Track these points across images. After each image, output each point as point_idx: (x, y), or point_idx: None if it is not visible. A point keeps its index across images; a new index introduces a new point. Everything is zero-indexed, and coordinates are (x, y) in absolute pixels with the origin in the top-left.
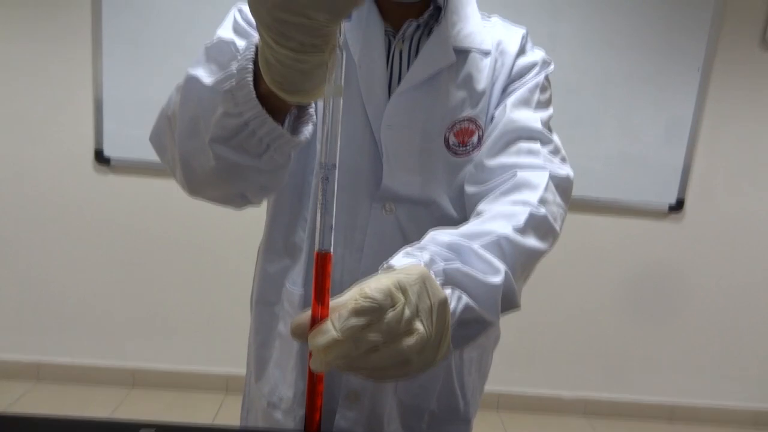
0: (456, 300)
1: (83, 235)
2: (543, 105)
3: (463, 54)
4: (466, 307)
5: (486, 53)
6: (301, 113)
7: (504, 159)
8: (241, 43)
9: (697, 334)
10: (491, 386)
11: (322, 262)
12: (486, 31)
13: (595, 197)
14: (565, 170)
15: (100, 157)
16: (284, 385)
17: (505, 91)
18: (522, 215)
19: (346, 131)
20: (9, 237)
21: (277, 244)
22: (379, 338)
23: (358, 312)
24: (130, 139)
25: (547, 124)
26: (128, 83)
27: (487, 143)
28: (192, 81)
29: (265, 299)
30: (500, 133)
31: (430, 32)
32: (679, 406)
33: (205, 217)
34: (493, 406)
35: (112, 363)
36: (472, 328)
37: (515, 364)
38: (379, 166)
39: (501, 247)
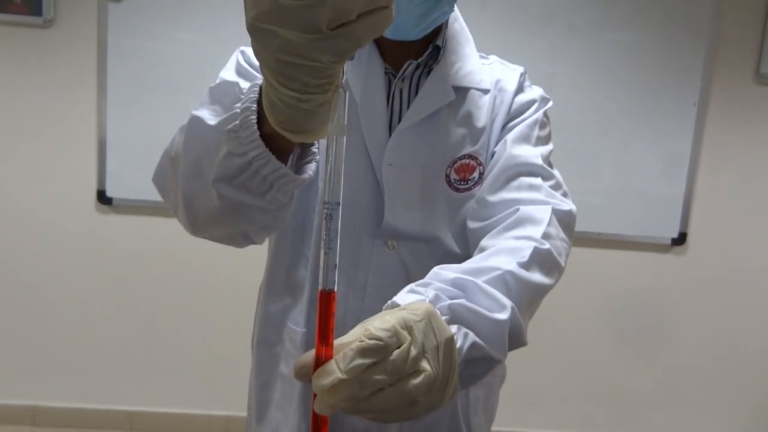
0: (462, 338)
1: (83, 276)
2: (543, 141)
3: (462, 92)
4: (473, 345)
5: (485, 91)
6: (304, 152)
7: (506, 194)
8: (245, 85)
9: (706, 370)
10: (497, 426)
11: (326, 301)
12: (484, 70)
13: (597, 232)
14: (568, 205)
15: (103, 198)
16: (286, 427)
17: (504, 129)
18: (526, 250)
19: (347, 169)
20: (8, 277)
21: (278, 283)
22: (385, 378)
23: (363, 352)
24: (133, 179)
25: (547, 159)
26: (132, 125)
27: (488, 179)
28: (196, 121)
29: (267, 340)
30: (501, 169)
31: (429, 72)
32: None
33: (206, 258)
34: None
35: (109, 406)
36: (480, 366)
37: (521, 403)
38: (381, 204)
39: (506, 282)
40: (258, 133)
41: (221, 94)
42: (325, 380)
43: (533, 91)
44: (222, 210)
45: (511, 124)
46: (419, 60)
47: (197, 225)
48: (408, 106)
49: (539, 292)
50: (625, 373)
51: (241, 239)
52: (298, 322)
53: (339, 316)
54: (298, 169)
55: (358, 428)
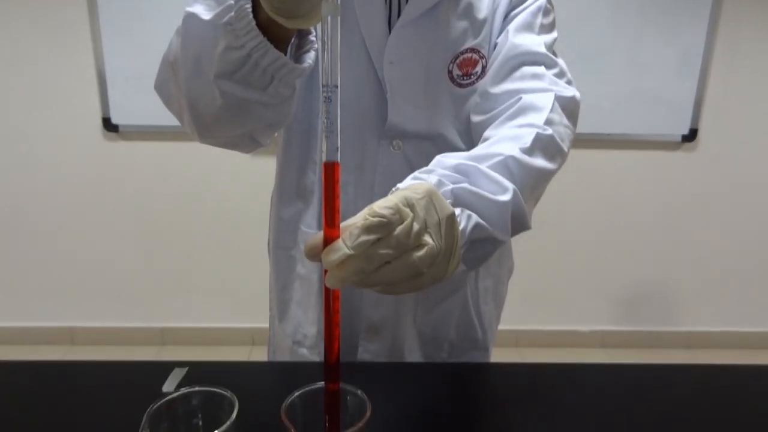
0: (466, 219)
1: (101, 202)
2: (546, 29)
3: None
4: (477, 226)
5: None
6: (301, 42)
7: (508, 85)
8: None
9: (711, 263)
10: (509, 325)
11: (330, 172)
12: None
13: (607, 132)
14: (571, 91)
15: (109, 125)
16: (307, 323)
17: (506, 18)
18: (528, 136)
19: (347, 69)
20: (27, 209)
21: (289, 190)
22: (390, 253)
23: (368, 229)
24: (136, 106)
25: (551, 47)
26: (128, 51)
27: (491, 71)
28: (191, 18)
29: (282, 244)
30: (503, 60)
31: None
32: (695, 333)
33: (216, 175)
34: (512, 343)
35: (140, 324)
36: (484, 248)
37: (532, 301)
38: (384, 104)
39: (508, 167)
40: (254, 23)
41: None
42: (333, 256)
43: None
44: (226, 108)
45: (514, 12)
46: None
47: (203, 128)
48: (407, 0)
49: (542, 176)
50: (634, 268)
51: (248, 141)
52: (310, 225)
53: (349, 217)
54: (297, 59)
55: (374, 320)
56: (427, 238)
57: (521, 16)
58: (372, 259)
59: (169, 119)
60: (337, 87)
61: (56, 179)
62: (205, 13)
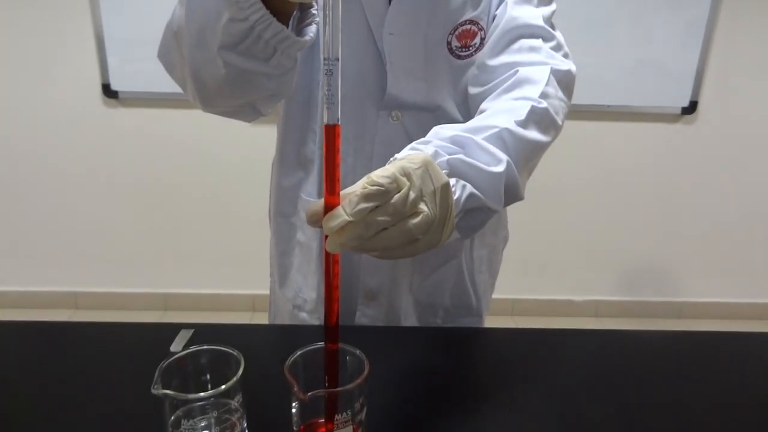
0: (461, 189)
1: (101, 169)
2: (545, 1)
3: None
4: (471, 196)
5: None
6: (303, 15)
7: (505, 58)
8: None
9: (707, 236)
10: (505, 294)
11: (330, 135)
12: None
13: (607, 104)
14: (567, 65)
15: (108, 91)
16: (307, 288)
17: None
18: (523, 109)
19: (347, 40)
20: (28, 175)
21: (289, 158)
22: (387, 219)
23: (366, 197)
24: (136, 72)
25: (549, 20)
26: (127, 17)
27: (489, 43)
28: None
29: (283, 211)
30: (501, 32)
31: None
32: (687, 303)
33: (216, 142)
34: (507, 311)
35: (143, 290)
36: (477, 217)
37: (528, 271)
38: (383, 75)
39: (503, 139)
40: None
41: None
42: (333, 222)
43: None
44: (229, 78)
45: None
46: None
47: (206, 97)
48: None
49: (536, 148)
50: (633, 241)
51: (249, 111)
52: (311, 194)
53: (348, 185)
54: (299, 32)
55: (371, 286)
56: (423, 206)
57: None
58: (370, 225)
59: (168, 86)
60: (338, 60)
61: (57, 145)
62: None
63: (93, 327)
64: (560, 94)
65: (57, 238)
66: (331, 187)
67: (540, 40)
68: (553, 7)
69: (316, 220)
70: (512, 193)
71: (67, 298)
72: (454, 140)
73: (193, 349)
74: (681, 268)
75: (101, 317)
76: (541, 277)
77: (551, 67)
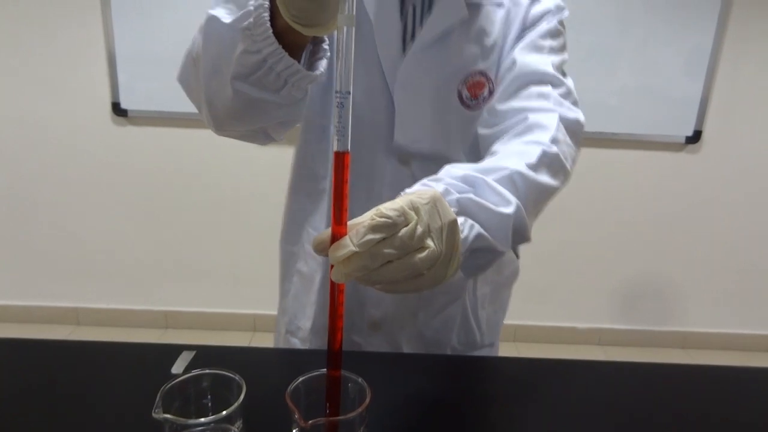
0: (468, 228)
1: (108, 187)
2: (556, 50)
3: (475, 7)
4: (478, 236)
5: (499, 4)
6: (315, 49)
7: (515, 103)
8: None
9: (710, 264)
10: (507, 320)
11: (340, 162)
12: None
13: (612, 131)
14: (575, 113)
15: (118, 110)
16: (303, 317)
17: (517, 40)
18: (534, 153)
19: (362, 86)
20: (35, 191)
21: (302, 186)
22: (393, 252)
23: (374, 228)
24: (145, 91)
25: (559, 68)
26: (138, 37)
27: (500, 88)
28: (212, 21)
29: (288, 238)
30: (512, 78)
31: None
32: (692, 333)
33: (222, 162)
34: (510, 337)
35: (145, 307)
36: (484, 257)
37: (531, 297)
38: (393, 122)
39: (514, 181)
40: (271, 30)
41: None
42: (340, 252)
43: (548, 1)
44: (240, 107)
45: (524, 34)
46: None
47: (219, 122)
48: (421, 22)
49: (545, 192)
50: (637, 269)
51: (262, 136)
52: (318, 228)
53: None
54: (311, 65)
55: (376, 317)
56: (429, 242)
57: (531, 38)
58: (376, 257)
59: (178, 105)
60: (349, 93)
61: (65, 162)
62: (226, 17)
63: (94, 346)
64: (569, 140)
65: (60, 253)
66: (338, 216)
67: (549, 86)
68: (564, 56)
69: (322, 249)
70: (520, 234)
71: (68, 313)
72: (465, 179)
73: (195, 372)
74: (686, 296)
75: (102, 334)
76: (545, 304)
77: (559, 114)
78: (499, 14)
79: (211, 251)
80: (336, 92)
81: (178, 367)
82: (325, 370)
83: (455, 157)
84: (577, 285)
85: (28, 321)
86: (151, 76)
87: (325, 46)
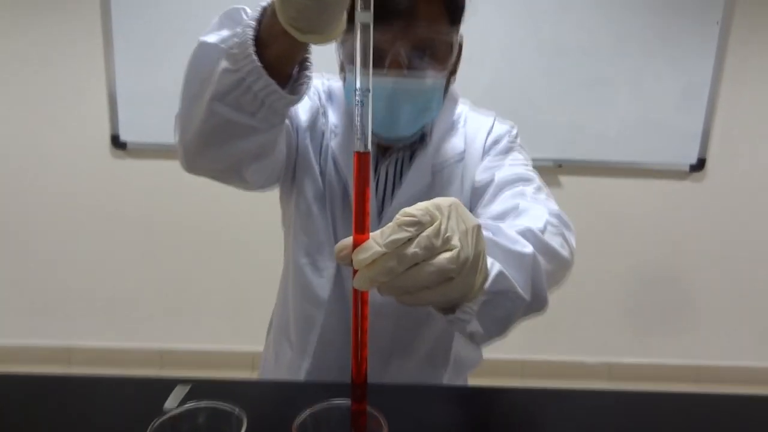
0: (489, 264)
1: (105, 220)
2: (517, 159)
3: (439, 167)
4: (500, 275)
5: (460, 157)
6: (299, 76)
7: (495, 207)
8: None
9: (720, 294)
10: (514, 354)
11: (362, 162)
12: (460, 132)
13: (615, 160)
14: (554, 204)
15: (117, 142)
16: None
17: (483, 164)
18: (540, 221)
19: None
20: (33, 224)
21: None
22: (419, 252)
23: (399, 226)
24: (145, 123)
25: (524, 168)
26: (139, 70)
27: (482, 204)
28: (201, 46)
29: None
30: (488, 195)
31: (412, 153)
32: (704, 366)
33: (221, 197)
34: (516, 373)
35: (140, 345)
36: (503, 305)
37: (537, 331)
38: None
39: (526, 237)
40: (253, 49)
41: (228, 18)
42: (364, 255)
43: (501, 128)
44: (212, 129)
45: (484, 158)
46: (406, 149)
47: (190, 153)
48: (393, 183)
49: (556, 257)
50: (641, 298)
51: (235, 177)
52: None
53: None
54: (292, 91)
55: (383, 344)
56: (456, 241)
57: (491, 160)
58: (403, 258)
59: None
60: (369, 91)
61: (60, 197)
62: (213, 38)
63: (83, 381)
64: (561, 222)
65: (51, 289)
66: (360, 223)
67: (520, 184)
68: (525, 157)
69: (344, 256)
70: (537, 288)
71: (60, 353)
72: (484, 225)
73: (189, 405)
74: (697, 328)
75: (95, 373)
76: (552, 338)
77: (543, 206)
78: (460, 167)
79: (209, 286)
80: (355, 90)
81: (171, 402)
82: (334, 401)
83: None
84: (585, 317)
85: (16, 361)
86: (152, 108)
87: (308, 73)
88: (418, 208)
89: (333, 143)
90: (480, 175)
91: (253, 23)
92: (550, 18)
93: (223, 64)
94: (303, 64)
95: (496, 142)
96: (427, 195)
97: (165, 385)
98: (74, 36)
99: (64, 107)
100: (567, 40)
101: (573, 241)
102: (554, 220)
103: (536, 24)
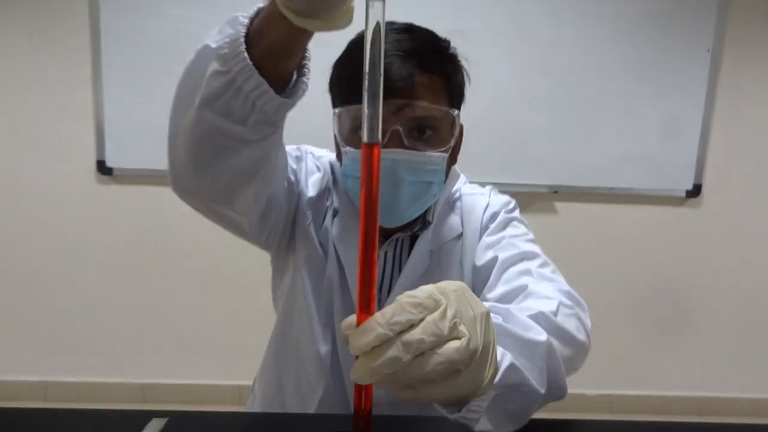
0: (500, 355)
1: (89, 248)
2: (517, 234)
3: (437, 250)
4: (511, 367)
5: (459, 237)
6: (296, 82)
7: (501, 288)
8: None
9: (720, 324)
10: None
11: (369, 157)
12: (456, 211)
13: (610, 186)
14: (562, 280)
15: (103, 168)
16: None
17: (483, 249)
18: (552, 303)
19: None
20: (12, 252)
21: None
22: (425, 339)
23: (402, 308)
24: (132, 149)
25: (528, 242)
26: (128, 97)
27: (486, 286)
28: (195, 54)
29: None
30: (493, 277)
31: (413, 236)
32: (707, 398)
33: (212, 227)
34: None
35: (121, 379)
36: (515, 399)
37: None
38: None
39: (539, 322)
40: (244, 47)
41: (227, 24)
42: (366, 338)
43: (497, 202)
44: (201, 139)
45: (485, 239)
46: (408, 232)
47: (178, 169)
48: (392, 267)
49: (572, 342)
50: (641, 329)
51: (225, 203)
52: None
53: None
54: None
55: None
56: (464, 329)
57: (491, 239)
58: (408, 345)
59: (164, 164)
60: (381, 75)
61: (41, 225)
62: (207, 43)
63: (53, 413)
64: (572, 301)
65: (27, 321)
66: (365, 304)
67: (524, 261)
68: (525, 231)
69: (348, 335)
70: (554, 378)
71: (35, 389)
72: (491, 308)
73: None
74: (699, 357)
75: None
76: None
77: (551, 284)
78: (458, 246)
79: (194, 319)
80: (365, 74)
81: None
82: None
83: None
84: None
85: None
86: (139, 134)
87: (305, 79)
88: (421, 291)
89: (334, 227)
90: (481, 255)
91: (246, 21)
92: (543, 46)
93: (213, 66)
94: (300, 71)
95: (493, 217)
96: (425, 278)
97: (141, 419)
98: (63, 62)
99: (51, 132)
100: (560, 68)
101: (588, 321)
102: (567, 301)
103: (530, 52)
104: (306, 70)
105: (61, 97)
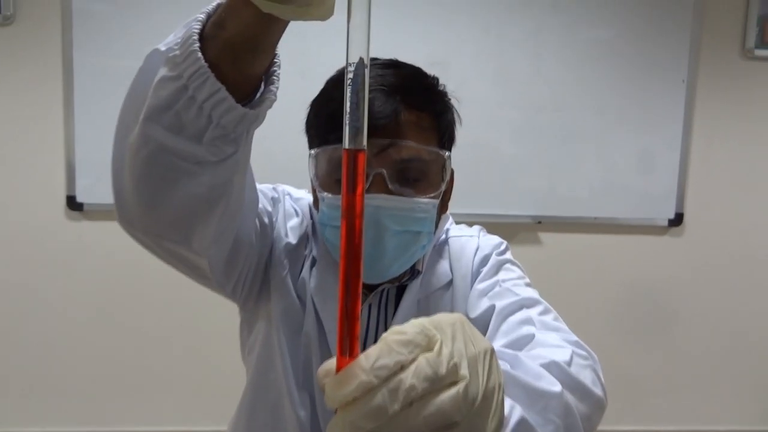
0: (508, 408)
1: (57, 288)
2: (512, 278)
3: (425, 299)
4: (521, 422)
5: (448, 284)
6: (264, 91)
7: (502, 339)
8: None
9: (707, 352)
10: None
11: (351, 162)
12: (445, 256)
13: (593, 216)
14: (567, 329)
15: (73, 204)
16: None
17: (477, 296)
18: (565, 353)
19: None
20: None
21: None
22: (416, 384)
23: (389, 348)
24: (104, 184)
25: (524, 287)
26: (99, 133)
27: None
28: (146, 58)
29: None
30: (492, 326)
31: (400, 287)
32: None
33: None
34: None
35: (92, 428)
36: None
37: None
38: None
39: (552, 372)
40: (197, 45)
41: (183, 26)
42: (346, 388)
43: (487, 244)
44: (147, 161)
45: (478, 284)
46: (396, 283)
47: (123, 201)
48: (377, 321)
49: (589, 397)
50: (626, 358)
51: (181, 242)
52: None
53: None
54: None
55: None
56: (464, 371)
57: (484, 285)
58: (395, 393)
59: None
60: (366, 66)
61: (12, 260)
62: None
63: None
64: (584, 351)
65: None
66: (347, 346)
67: (524, 309)
68: (525, 278)
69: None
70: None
71: None
72: (498, 354)
73: None
74: (687, 388)
75: None
76: None
77: (555, 332)
78: (448, 294)
79: (168, 361)
80: (348, 64)
81: None
82: None
83: None
84: None
85: None
86: (109, 169)
87: (273, 87)
88: (412, 326)
89: (312, 279)
90: (475, 304)
91: (202, 16)
92: (524, 79)
93: (161, 72)
94: (269, 79)
95: (484, 261)
96: None
97: None
98: (35, 99)
99: (21, 168)
100: (542, 100)
101: (602, 375)
102: (580, 351)
103: (511, 85)
104: (275, 77)
105: (32, 134)
